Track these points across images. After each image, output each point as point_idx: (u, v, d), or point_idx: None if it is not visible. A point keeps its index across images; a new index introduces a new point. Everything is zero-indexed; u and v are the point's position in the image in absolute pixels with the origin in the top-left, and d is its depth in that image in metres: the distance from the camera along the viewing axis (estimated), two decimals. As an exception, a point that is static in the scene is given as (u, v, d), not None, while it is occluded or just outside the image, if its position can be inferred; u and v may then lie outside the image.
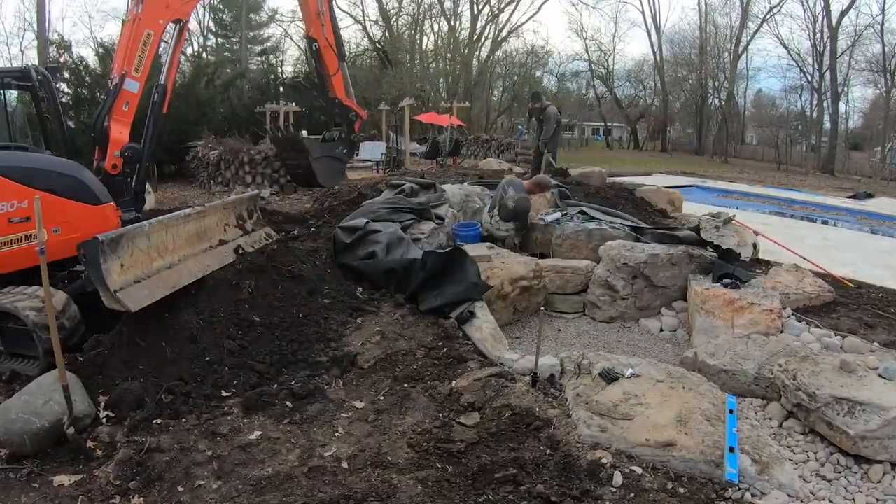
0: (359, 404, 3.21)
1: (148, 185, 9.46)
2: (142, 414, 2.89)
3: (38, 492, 2.53)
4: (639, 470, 2.69)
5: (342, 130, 6.79)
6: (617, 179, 11.84)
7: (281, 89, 19.04)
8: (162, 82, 4.82)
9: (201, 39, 32.06)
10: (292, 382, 3.37)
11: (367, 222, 5.21)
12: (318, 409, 3.14)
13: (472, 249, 5.59)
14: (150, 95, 4.80)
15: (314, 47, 6.31)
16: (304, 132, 7.48)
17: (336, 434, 2.92)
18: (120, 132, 4.43)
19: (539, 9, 39.02)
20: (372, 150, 17.19)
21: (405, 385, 3.37)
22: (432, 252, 4.76)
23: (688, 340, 5.10)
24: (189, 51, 26.91)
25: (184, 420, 2.93)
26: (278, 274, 4.27)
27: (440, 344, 3.92)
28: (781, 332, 4.58)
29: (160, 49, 4.78)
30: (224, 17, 31.62)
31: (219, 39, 32.45)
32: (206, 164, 13.37)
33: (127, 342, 3.26)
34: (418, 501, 2.40)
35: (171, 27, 4.78)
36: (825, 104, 31.14)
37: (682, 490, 2.60)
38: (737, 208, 11.45)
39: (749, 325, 4.61)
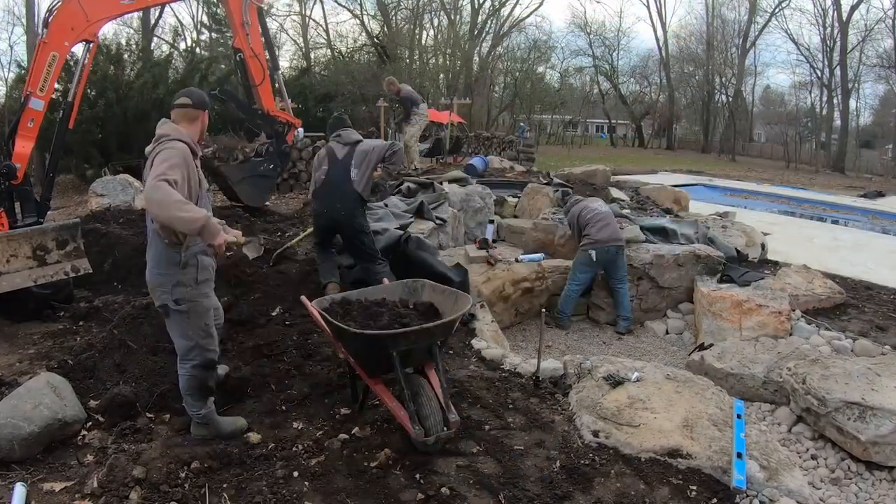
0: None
1: (140, 184, 9.43)
2: (132, 421, 2.84)
3: (28, 498, 2.48)
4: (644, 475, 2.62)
5: (270, 143, 6.62)
6: (621, 178, 11.75)
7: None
8: (69, 100, 4.94)
9: (195, 34, 31.91)
10: (291, 390, 3.30)
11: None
12: (311, 414, 3.08)
13: (474, 251, 5.52)
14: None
15: (238, 57, 6.29)
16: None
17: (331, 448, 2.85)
18: (23, 147, 4.59)
19: (542, 3, 38.34)
20: None
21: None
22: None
23: (694, 343, 5.02)
24: (182, 46, 26.77)
25: (176, 425, 2.88)
26: (273, 277, 4.21)
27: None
28: (790, 334, 4.50)
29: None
30: (218, 11, 31.34)
31: (213, 34, 32.20)
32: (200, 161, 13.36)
33: (119, 345, 3.21)
34: None
35: (81, 46, 4.86)
36: (835, 101, 30.80)
37: (688, 496, 2.52)
38: (744, 207, 11.33)
39: (757, 327, 4.52)
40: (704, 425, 2.92)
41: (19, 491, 2.38)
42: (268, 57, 6.53)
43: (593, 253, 5.20)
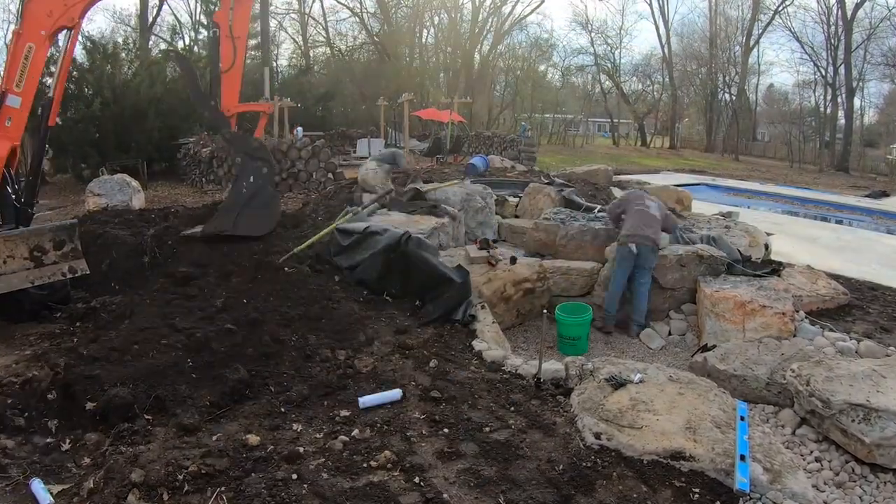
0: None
1: (137, 184, 9.34)
2: (130, 423, 2.82)
3: (24, 501, 2.47)
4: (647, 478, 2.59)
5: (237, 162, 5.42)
6: (623, 178, 11.71)
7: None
8: (50, 95, 4.58)
9: (192, 33, 31.89)
10: (290, 392, 3.28)
11: (367, 227, 5.12)
12: (310, 416, 3.06)
13: (474, 252, 5.48)
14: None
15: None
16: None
17: (331, 442, 2.84)
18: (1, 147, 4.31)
19: (543, 1, 37.74)
20: (370, 148, 17.00)
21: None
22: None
23: (697, 344, 4.98)
24: (180, 45, 26.70)
25: (174, 427, 2.86)
26: (274, 278, 4.19)
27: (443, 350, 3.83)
28: (794, 335, 4.45)
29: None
30: (215, 9, 31.34)
31: (210, 33, 32.09)
32: (198, 161, 13.27)
33: (117, 346, 3.20)
34: None
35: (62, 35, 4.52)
36: (839, 100, 30.63)
37: (691, 499, 2.49)
38: (748, 207, 11.29)
39: (761, 328, 4.49)
40: (707, 427, 2.90)
41: (38, 485, 2.42)
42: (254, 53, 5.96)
43: (633, 246, 5.07)
